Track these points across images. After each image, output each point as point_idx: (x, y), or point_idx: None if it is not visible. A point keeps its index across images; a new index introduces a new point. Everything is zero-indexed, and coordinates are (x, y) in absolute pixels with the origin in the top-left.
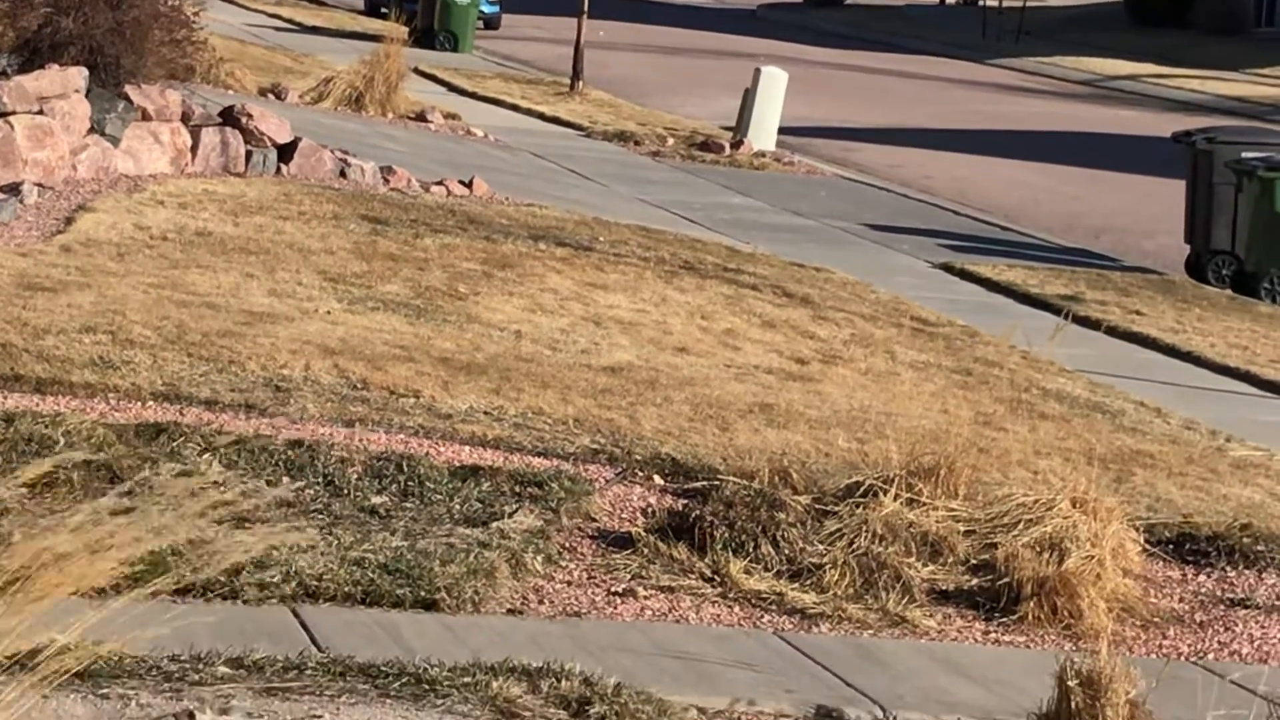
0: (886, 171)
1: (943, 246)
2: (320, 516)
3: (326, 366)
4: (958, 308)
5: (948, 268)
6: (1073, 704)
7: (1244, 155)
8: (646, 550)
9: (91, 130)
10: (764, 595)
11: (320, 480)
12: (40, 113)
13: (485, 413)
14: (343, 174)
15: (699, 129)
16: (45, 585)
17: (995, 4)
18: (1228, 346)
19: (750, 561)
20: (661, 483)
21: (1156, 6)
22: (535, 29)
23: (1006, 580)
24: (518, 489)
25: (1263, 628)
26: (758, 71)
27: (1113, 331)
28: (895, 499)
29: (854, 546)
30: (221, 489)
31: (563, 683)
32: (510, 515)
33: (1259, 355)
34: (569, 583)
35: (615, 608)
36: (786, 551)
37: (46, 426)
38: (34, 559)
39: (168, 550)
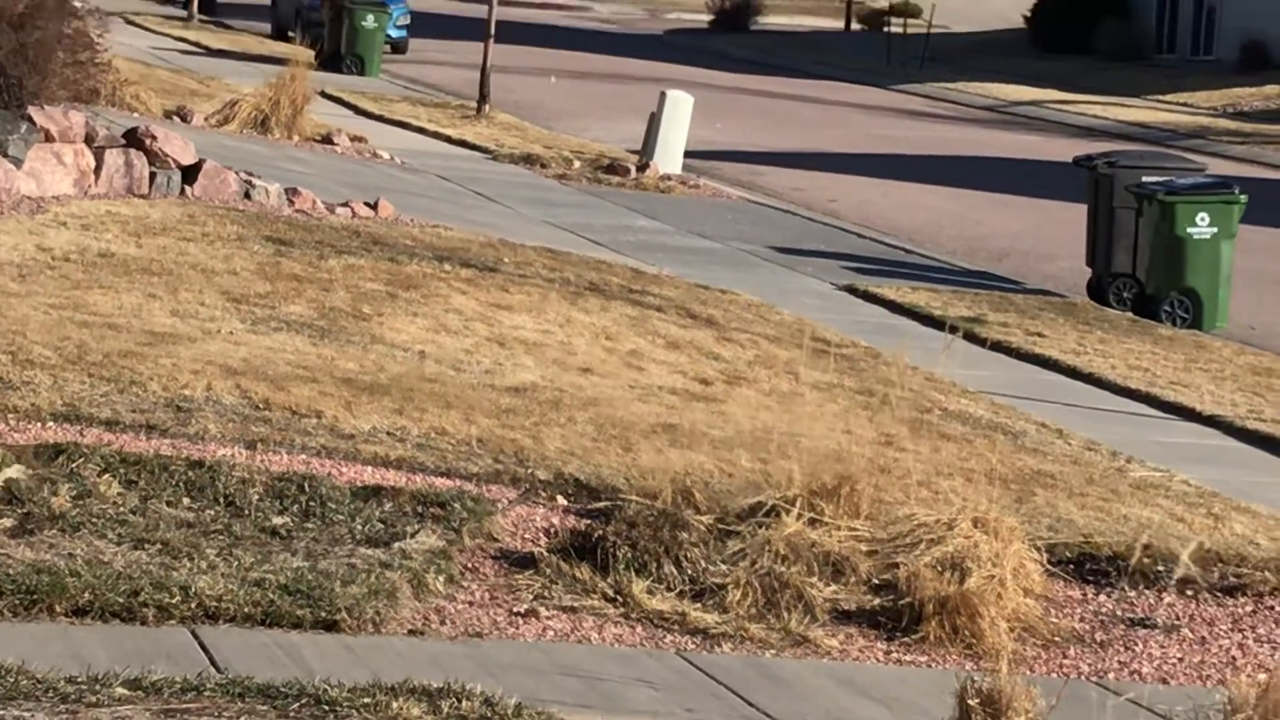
0: (792, 195)
1: (847, 269)
2: (221, 537)
3: (229, 387)
4: (861, 329)
5: (851, 290)
6: None
7: (1145, 180)
8: (549, 570)
9: None
10: (666, 615)
11: (221, 501)
12: None
13: (388, 433)
14: (247, 196)
15: (605, 152)
16: None
17: (900, 30)
18: (1128, 368)
19: (653, 582)
20: (564, 503)
21: (1059, 33)
22: (442, 53)
23: (908, 600)
24: (420, 509)
25: (1163, 647)
26: (663, 95)
27: (1015, 353)
28: (798, 519)
29: (756, 566)
30: (120, 509)
31: (463, 703)
32: (412, 536)
33: (1159, 377)
34: (471, 603)
35: (517, 628)
36: (689, 571)
37: None
38: None
39: (65, 571)
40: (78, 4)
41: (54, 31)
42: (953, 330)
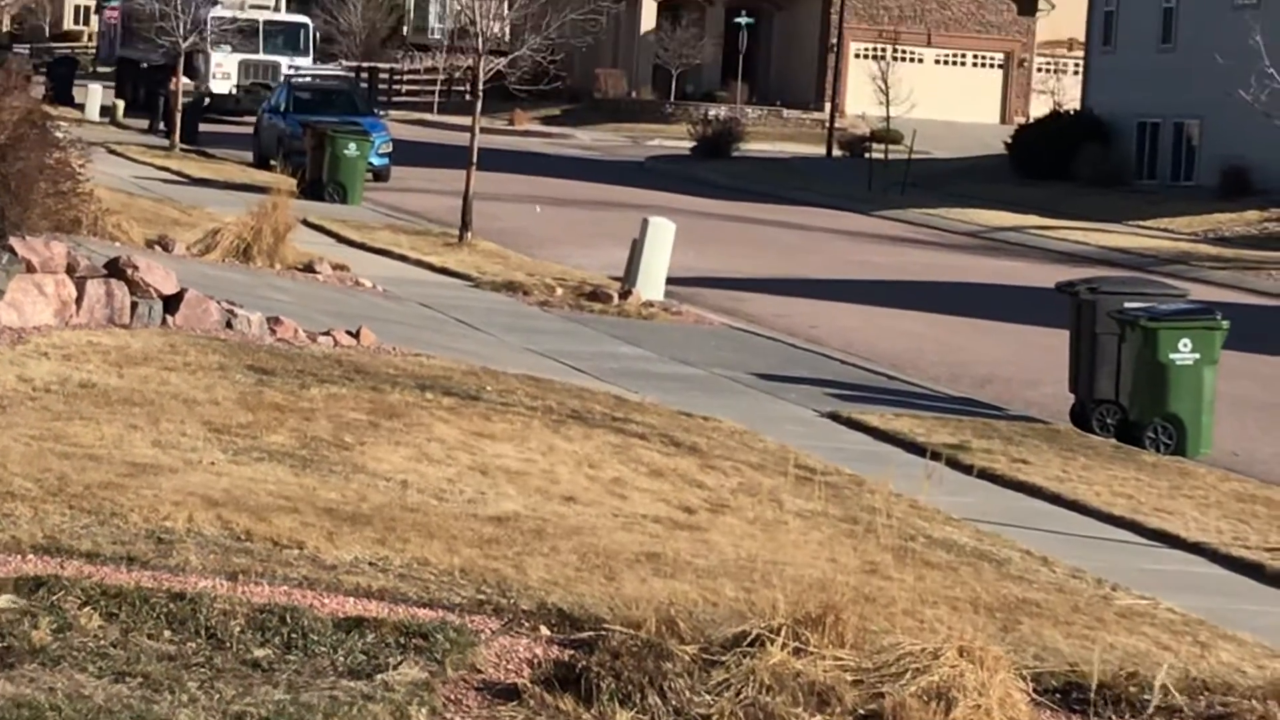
0: (774, 321)
1: (830, 395)
2: (202, 670)
3: (210, 518)
4: (845, 456)
5: (835, 416)
6: None
7: (1127, 305)
8: (533, 702)
9: None
10: None
11: (203, 633)
12: None
13: (370, 564)
14: (229, 325)
15: (588, 279)
16: None
17: (881, 156)
18: (1113, 495)
19: (637, 712)
20: (548, 633)
21: (1040, 160)
22: (425, 181)
23: None
24: (403, 641)
25: None
26: (645, 222)
27: (999, 479)
28: (782, 648)
29: (741, 697)
30: (101, 642)
31: None
32: (395, 667)
33: (1144, 504)
34: None
35: None
36: (674, 702)
37: None
38: None
39: (46, 706)
40: (60, 135)
41: (36, 162)
42: (936, 457)
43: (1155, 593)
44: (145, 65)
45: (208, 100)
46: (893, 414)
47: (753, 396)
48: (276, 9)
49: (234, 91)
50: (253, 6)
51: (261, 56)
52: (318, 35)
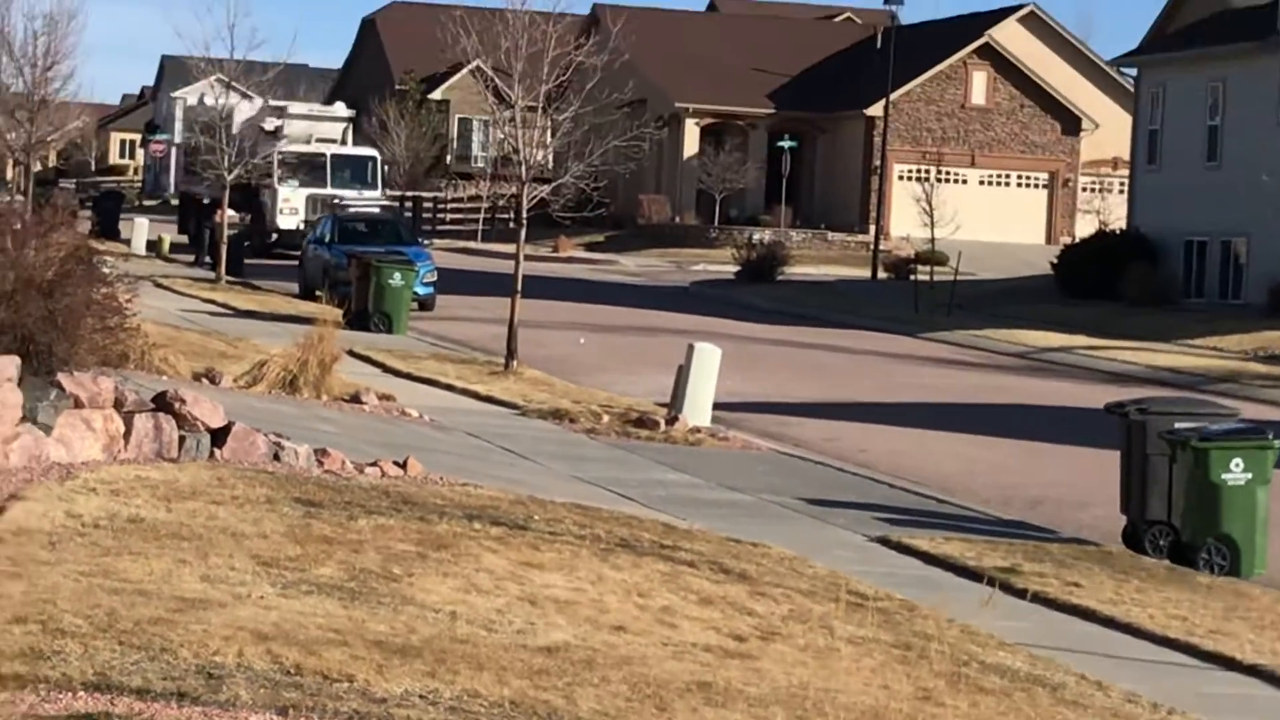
0: (822, 445)
1: (880, 520)
2: None
3: (260, 652)
4: (896, 581)
5: (885, 541)
6: None
7: (1177, 426)
8: None
9: (24, 419)
10: None
11: None
12: None
13: (420, 696)
14: (276, 457)
15: (634, 406)
16: None
17: (927, 278)
18: (1167, 618)
19: None
20: None
21: (1087, 279)
22: (469, 309)
23: None
24: None
25: None
26: (691, 348)
27: (1051, 603)
28: None
29: None
30: None
31: None
32: None
33: (1198, 626)
34: None
35: None
36: None
37: None
38: None
39: None
40: (106, 270)
41: (83, 298)
42: (990, 582)
43: (1212, 717)
44: (207, 201)
45: (275, 235)
46: (943, 538)
47: (802, 522)
48: (343, 142)
49: (301, 227)
50: (319, 140)
51: (329, 190)
52: (386, 168)
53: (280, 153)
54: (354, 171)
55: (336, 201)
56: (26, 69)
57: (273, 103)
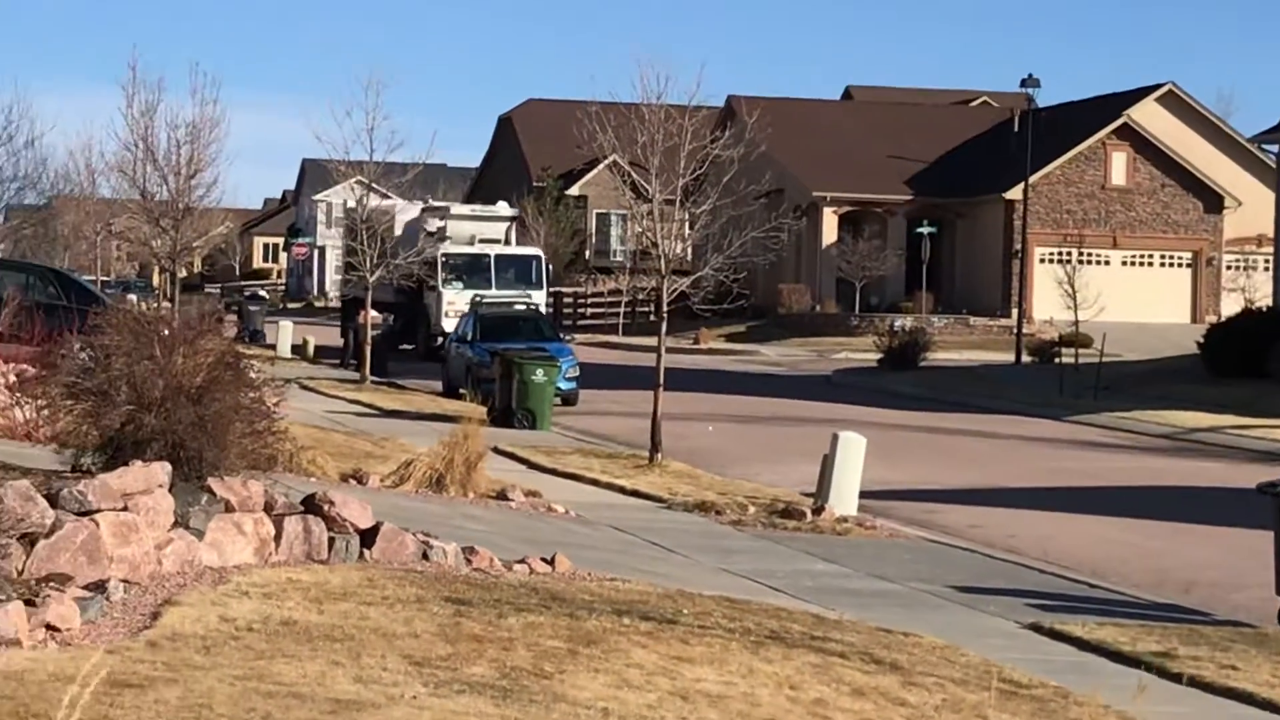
0: (969, 532)
1: (1031, 606)
2: None
3: None
4: (1049, 668)
5: (1037, 628)
6: None
7: None
8: None
9: (176, 524)
10: None
11: None
12: (125, 509)
13: None
14: (425, 556)
15: (779, 496)
16: None
17: (1071, 361)
18: None
19: None
20: None
21: (1233, 358)
22: (612, 403)
23: None
24: None
25: None
26: (835, 437)
27: (1208, 687)
28: None
29: None
30: None
31: None
32: None
33: None
34: None
35: None
36: None
37: None
38: None
39: None
40: (254, 375)
41: (231, 403)
42: (1148, 668)
43: None
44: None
45: (440, 340)
46: (1096, 623)
47: (952, 610)
48: (506, 242)
49: None
50: (482, 240)
51: (495, 292)
52: (550, 268)
53: (444, 254)
54: (518, 271)
55: (478, 299)
56: (170, 177)
57: (435, 203)
